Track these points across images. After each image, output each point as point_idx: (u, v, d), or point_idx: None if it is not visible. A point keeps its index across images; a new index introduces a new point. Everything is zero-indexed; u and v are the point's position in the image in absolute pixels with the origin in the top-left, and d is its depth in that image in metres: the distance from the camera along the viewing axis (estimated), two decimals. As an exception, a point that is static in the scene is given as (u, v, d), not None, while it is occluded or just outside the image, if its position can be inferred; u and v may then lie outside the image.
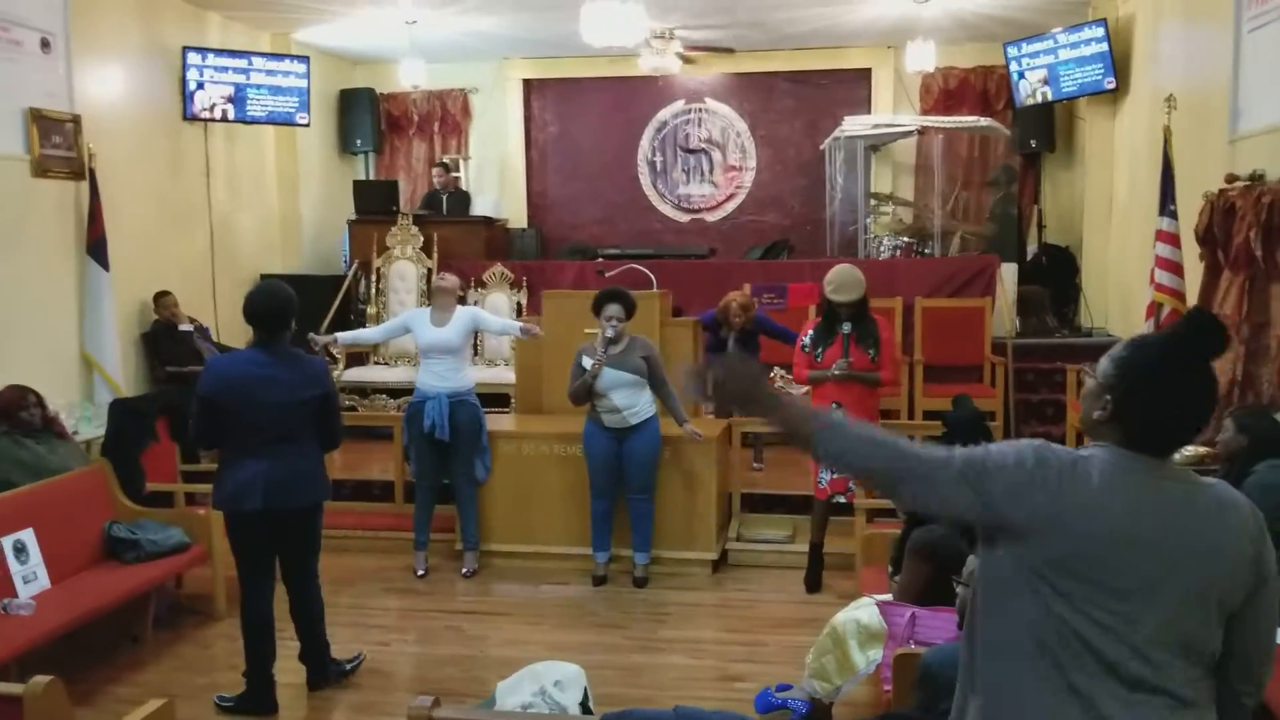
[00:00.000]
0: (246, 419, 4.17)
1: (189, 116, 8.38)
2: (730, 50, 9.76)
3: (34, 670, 4.63)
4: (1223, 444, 4.53)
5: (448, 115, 11.19)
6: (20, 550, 4.72)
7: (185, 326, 7.70)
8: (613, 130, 11.12)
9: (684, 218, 11.10)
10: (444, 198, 9.90)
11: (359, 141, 10.79)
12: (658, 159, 11.08)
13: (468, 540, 6.18)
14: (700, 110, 11.00)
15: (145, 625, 5.17)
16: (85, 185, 7.07)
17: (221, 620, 5.46)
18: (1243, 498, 2.01)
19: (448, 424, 5.94)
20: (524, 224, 11.01)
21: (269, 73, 8.74)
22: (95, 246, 7.09)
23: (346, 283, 8.98)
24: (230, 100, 8.51)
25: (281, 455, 4.21)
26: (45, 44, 6.83)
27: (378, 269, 8.94)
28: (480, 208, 10.88)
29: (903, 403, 8.00)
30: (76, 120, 7.07)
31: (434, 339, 5.98)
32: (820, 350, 5.59)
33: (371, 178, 10.96)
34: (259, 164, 9.53)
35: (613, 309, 5.72)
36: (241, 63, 8.57)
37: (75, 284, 7.07)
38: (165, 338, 7.66)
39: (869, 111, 10.39)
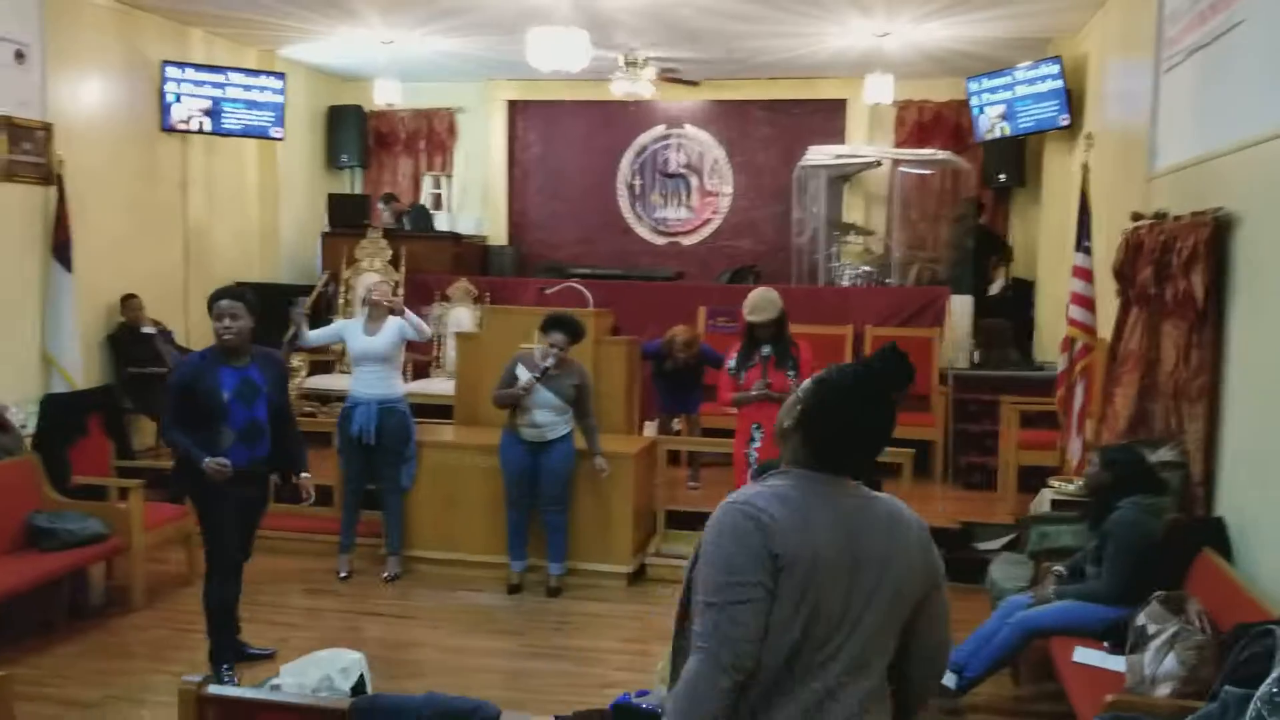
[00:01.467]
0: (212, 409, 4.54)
1: (166, 128, 8.67)
2: (695, 83, 9.94)
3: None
4: (1088, 478, 4.63)
5: (434, 134, 11.45)
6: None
7: (148, 329, 7.96)
8: (594, 153, 11.34)
9: (661, 240, 11.27)
10: (404, 218, 10.15)
11: (345, 156, 11.07)
12: (637, 182, 11.27)
13: (391, 545, 6.35)
14: (680, 135, 11.19)
15: (59, 611, 5.38)
16: (53, 191, 7.35)
17: (137, 611, 5.67)
18: (908, 510, 2.15)
19: (374, 430, 6.14)
20: (504, 241, 11.22)
21: (245, 87, 9.03)
22: (59, 249, 7.37)
23: (315, 292, 9.21)
24: (207, 113, 8.80)
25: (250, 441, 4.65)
26: (19, 55, 7.13)
27: (346, 280, 9.17)
28: (462, 225, 11.14)
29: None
30: (48, 128, 7.36)
31: (365, 348, 6.18)
32: (742, 373, 5.74)
33: (358, 192, 11.23)
34: (239, 176, 9.81)
35: (556, 336, 5.86)
36: (219, 77, 8.87)
37: (39, 285, 7.35)
38: (128, 339, 7.92)
39: (843, 141, 10.53)
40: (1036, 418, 7.21)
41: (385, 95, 9.72)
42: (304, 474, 4.99)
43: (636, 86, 9.56)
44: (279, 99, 9.18)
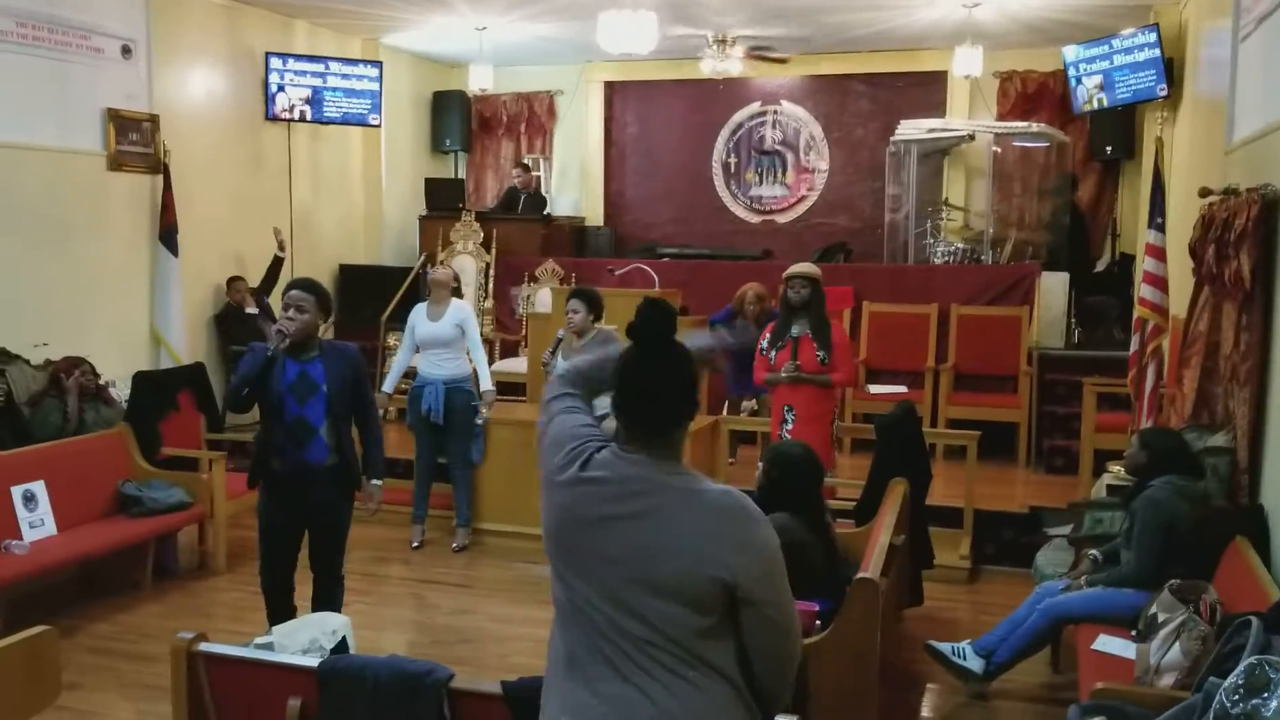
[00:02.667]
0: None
1: (270, 117, 9.09)
2: (783, 59, 9.85)
3: (32, 603, 5.34)
4: (1127, 459, 4.50)
5: (534, 117, 11.66)
6: (30, 499, 5.39)
7: (251, 309, 8.41)
8: (689, 132, 11.37)
9: (755, 219, 11.24)
10: (521, 197, 10.35)
11: (449, 141, 11.38)
12: (731, 160, 11.26)
13: (460, 517, 6.59)
14: (775, 112, 11.11)
15: (144, 573, 5.79)
16: (159, 179, 7.83)
17: (219, 575, 6.06)
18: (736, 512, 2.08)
19: (442, 409, 6.37)
20: (600, 223, 11.37)
21: (344, 76, 9.39)
22: (166, 234, 7.85)
23: (412, 274, 9.54)
24: (308, 102, 9.20)
25: None
26: (126, 50, 7.60)
27: (441, 262, 9.46)
28: (560, 207, 11.34)
29: (926, 411, 7.99)
30: (154, 119, 7.84)
31: (428, 332, 6.40)
32: (773, 353, 5.74)
33: (461, 176, 11.54)
34: (343, 162, 10.22)
35: (573, 303, 6.00)
36: (319, 67, 9.24)
37: (148, 268, 7.85)
38: (233, 319, 8.38)
39: (944, 114, 10.29)
40: (1119, 400, 6.97)
41: (479, 80, 9.96)
42: (375, 480, 4.45)
43: (725, 64, 9.55)
44: (375, 87, 9.52)
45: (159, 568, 5.92)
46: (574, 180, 11.64)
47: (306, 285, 4.22)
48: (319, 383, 4.15)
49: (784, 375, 5.64)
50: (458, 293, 6.61)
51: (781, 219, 11.16)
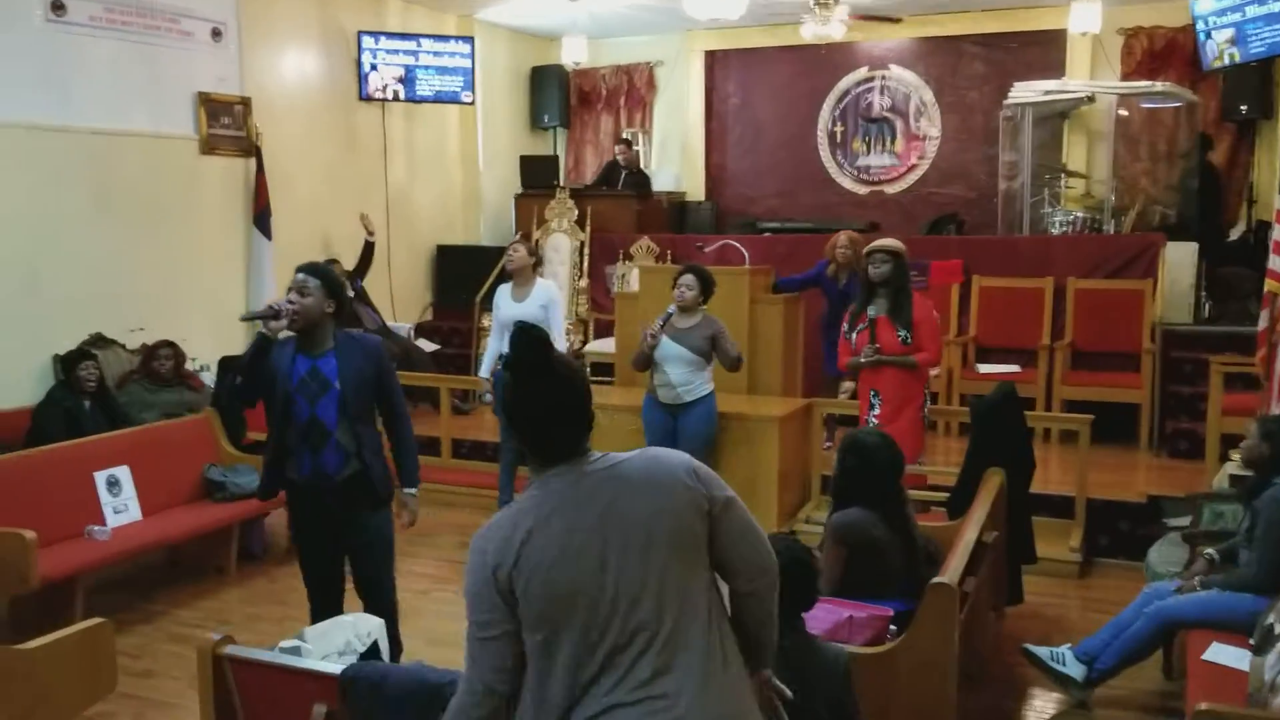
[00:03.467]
0: None
1: (364, 97, 9.07)
2: (896, 20, 9.37)
3: (116, 588, 5.40)
4: (1245, 449, 4.06)
5: (633, 89, 11.42)
6: (113, 484, 5.43)
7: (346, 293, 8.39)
8: (793, 100, 10.97)
9: (863, 190, 10.79)
10: (622, 173, 10.14)
11: (547, 117, 11.23)
12: (838, 129, 10.83)
13: (543, 503, 6.44)
14: (883, 77, 10.63)
15: (229, 558, 5.81)
16: (252, 162, 7.86)
17: None
18: (667, 452, 2.09)
19: (524, 391, 6.23)
20: (701, 197, 11.09)
21: (436, 53, 9.31)
22: (259, 217, 7.89)
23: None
24: (401, 81, 9.14)
25: None
26: (216, 33, 7.64)
27: (536, 241, 9.33)
28: (660, 181, 11.08)
29: (1040, 391, 7.53)
30: (245, 102, 7.87)
31: (511, 314, 6.23)
32: (853, 336, 5.42)
33: (559, 153, 11.40)
34: (440, 141, 10.16)
35: (684, 278, 5.74)
36: (411, 44, 9.18)
37: (242, 251, 7.90)
38: (327, 302, 8.38)
39: (1064, 75, 9.67)
40: (1251, 380, 6.40)
41: (574, 53, 9.78)
42: (410, 489, 3.91)
43: (827, 28, 9.11)
44: (468, 64, 9.41)
45: (244, 552, 5.92)
46: (674, 154, 11.37)
47: (310, 268, 3.77)
48: (331, 380, 3.68)
49: (863, 360, 5.32)
50: (541, 270, 6.41)
51: (890, 189, 10.69)
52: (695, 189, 11.19)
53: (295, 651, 2.84)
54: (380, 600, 3.86)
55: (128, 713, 4.19)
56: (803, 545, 3.07)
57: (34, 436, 5.78)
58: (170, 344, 6.65)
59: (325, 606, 3.89)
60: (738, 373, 5.86)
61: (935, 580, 3.27)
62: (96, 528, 5.19)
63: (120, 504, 5.43)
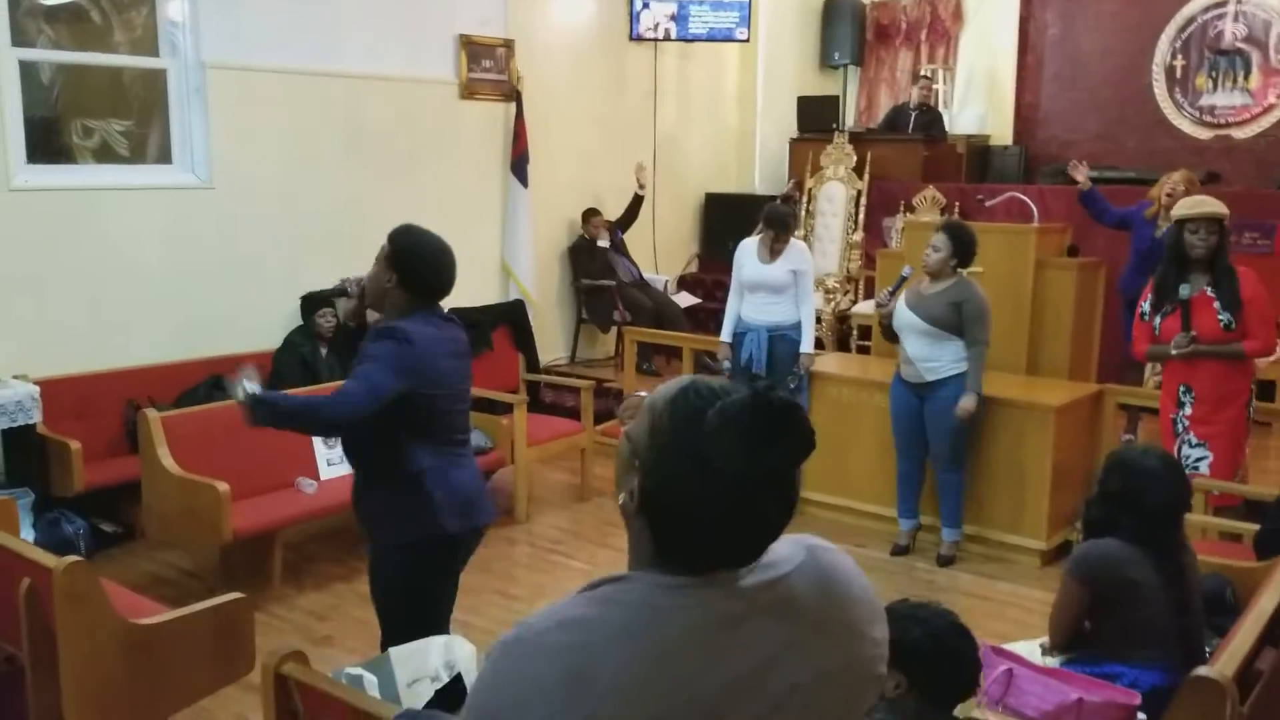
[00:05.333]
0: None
1: (634, 37, 8.62)
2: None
3: (320, 543, 5.33)
4: None
5: (937, 22, 10.31)
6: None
7: (603, 243, 8.07)
8: (1124, 31, 9.47)
9: (1205, 134, 9.18)
10: (912, 114, 9.19)
11: (837, 54, 10.36)
12: (1178, 63, 9.24)
13: (777, 483, 5.83)
14: (1239, 2, 8.94)
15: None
16: (512, 106, 7.62)
17: (519, 524, 5.78)
18: (847, 569, 1.34)
19: (764, 358, 5.62)
20: (1008, 141, 9.87)
21: (711, -12, 8.70)
22: (517, 164, 7.65)
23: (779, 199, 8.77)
24: (673, 18, 8.61)
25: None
26: (480, -26, 7.42)
27: (809, 189, 8.60)
28: (962, 123, 10.01)
29: None
30: (509, 45, 7.62)
31: (756, 275, 5.63)
32: (1158, 319, 4.36)
33: (850, 92, 10.51)
34: (715, 82, 9.57)
35: (935, 238, 4.92)
36: (686, -21, 8.63)
37: (499, 199, 7.71)
38: (584, 253, 8.09)
39: None
40: None
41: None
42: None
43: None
44: (745, -2, 8.73)
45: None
46: (979, 93, 10.18)
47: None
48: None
49: (1174, 351, 4.27)
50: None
51: (1240, 134, 9.03)
52: (1002, 132, 9.98)
53: (358, 681, 2.43)
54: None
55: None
56: (950, 617, 2.32)
57: (273, 380, 5.81)
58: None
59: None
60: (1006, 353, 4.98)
61: (1198, 674, 2.39)
62: (305, 480, 5.11)
63: (335, 456, 5.32)
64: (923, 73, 9.74)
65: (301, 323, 6.14)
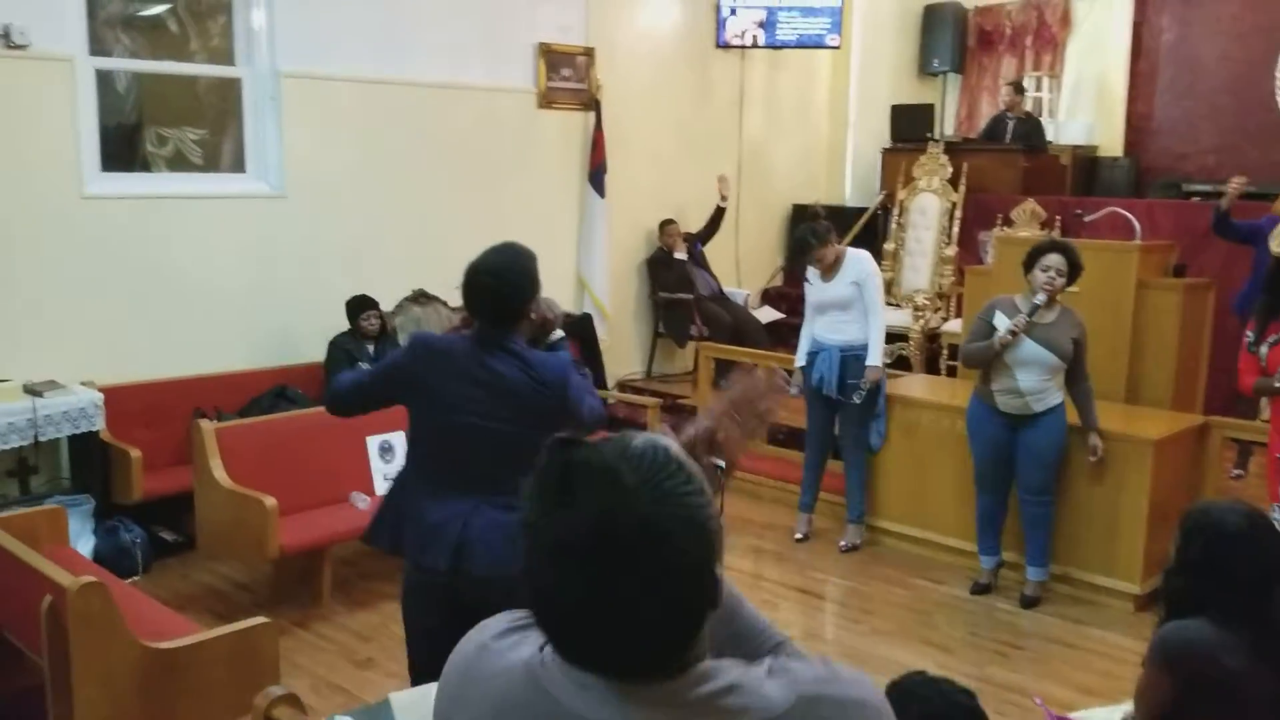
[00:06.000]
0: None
1: (721, 44, 8.40)
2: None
3: (372, 560, 5.20)
4: None
5: (1043, 27, 9.84)
6: (386, 450, 5.24)
7: (680, 255, 7.86)
8: (1247, 35, 8.88)
9: (1336, 146, 8.57)
10: (1009, 123, 8.78)
11: (936, 61, 9.98)
12: (1306, 69, 8.65)
13: (851, 511, 5.54)
14: (1373, 2, 8.33)
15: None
16: (590, 116, 7.47)
17: None
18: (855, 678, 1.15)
19: (836, 380, 5.34)
20: (1118, 153, 9.36)
21: (802, -7, 8.41)
22: (594, 175, 7.50)
23: (864, 218, 8.45)
24: (761, 25, 8.36)
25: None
26: (560, -19, 7.29)
27: (901, 201, 8.25)
28: (1069, 134, 9.53)
29: None
30: (589, 53, 7.48)
31: (818, 294, 5.37)
32: (1263, 348, 3.97)
33: (947, 102, 10.12)
34: (806, 90, 9.28)
35: (1053, 258, 4.59)
36: (777, -16, 8.36)
37: (576, 209, 7.56)
38: (661, 265, 7.90)
39: None
40: None
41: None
42: None
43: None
44: (836, 3, 8.41)
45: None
46: (1088, 101, 9.69)
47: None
48: None
49: (1276, 384, 3.88)
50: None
51: (1377, 145, 8.40)
52: (1111, 143, 9.47)
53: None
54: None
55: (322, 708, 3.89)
56: (962, 698, 2.03)
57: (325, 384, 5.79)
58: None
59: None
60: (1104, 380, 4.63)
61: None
62: (359, 495, 5.01)
63: (392, 470, 5.20)
64: (1013, 80, 9.29)
65: (348, 326, 6.03)
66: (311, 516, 4.73)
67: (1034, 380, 4.60)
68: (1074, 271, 4.57)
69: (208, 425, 4.66)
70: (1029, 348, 4.58)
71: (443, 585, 2.74)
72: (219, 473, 4.57)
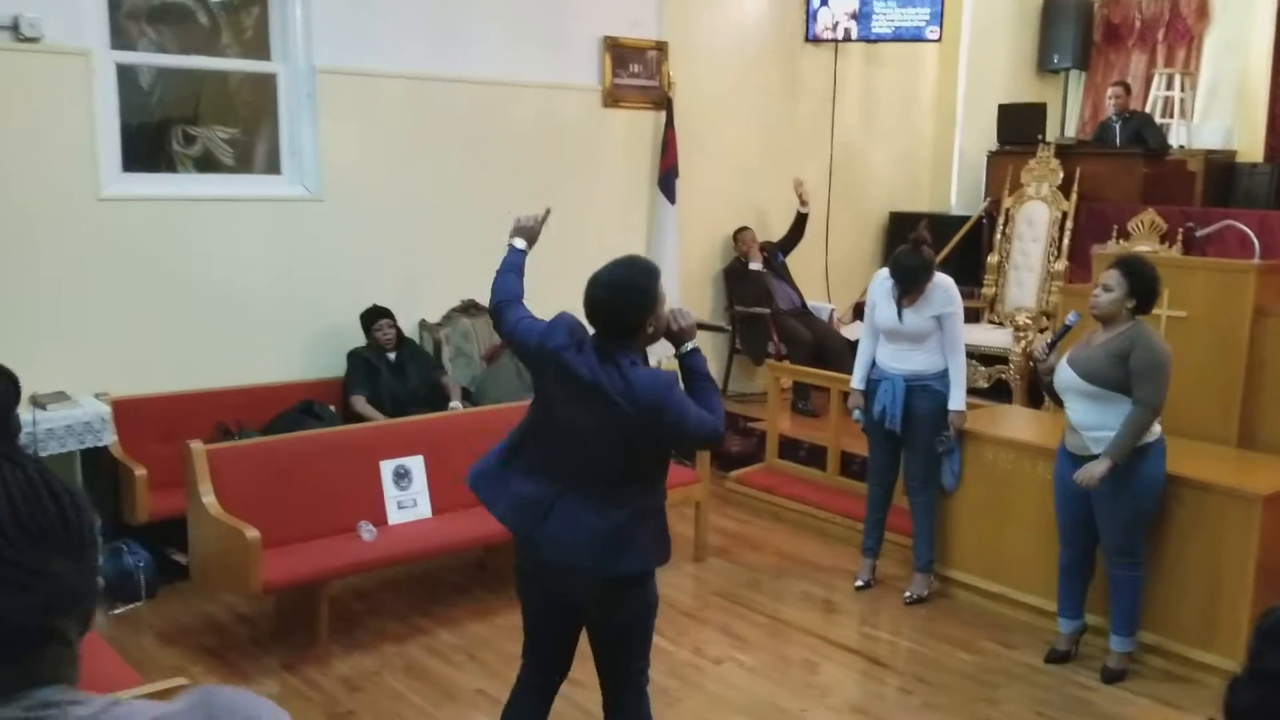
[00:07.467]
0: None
1: (810, 38, 7.80)
2: None
3: (391, 591, 4.81)
4: None
5: (1177, 20, 8.93)
6: (402, 476, 4.83)
7: (756, 265, 7.30)
8: None
9: None
10: (1116, 123, 7.96)
11: (1058, 57, 9.15)
12: None
13: (918, 559, 4.92)
14: None
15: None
16: (661, 115, 6.98)
17: (698, 562, 5.35)
18: None
19: (900, 413, 4.72)
20: (1258, 158, 8.40)
21: (899, -17, 7.74)
22: (665, 178, 7.00)
23: (966, 227, 7.73)
24: (854, 17, 7.73)
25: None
26: (632, -28, 6.82)
27: (1007, 210, 7.51)
28: (1204, 137, 8.64)
29: None
30: (661, 47, 6.99)
31: (891, 324, 4.72)
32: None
33: (1073, 100, 9.28)
34: (909, 88, 8.59)
35: (1108, 275, 3.99)
36: (871, -27, 7.71)
37: (645, 215, 7.07)
38: (736, 276, 7.35)
39: None
40: None
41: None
42: None
43: None
44: (938, -8, 7.72)
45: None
46: (1226, 103, 8.75)
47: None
48: None
49: None
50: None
51: None
52: (1251, 148, 8.50)
53: None
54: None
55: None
56: None
57: (346, 390, 5.51)
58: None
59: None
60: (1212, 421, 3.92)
61: None
62: (366, 525, 4.61)
63: (407, 498, 4.83)
64: (1115, 82, 8.42)
65: (365, 339, 5.66)
66: (307, 549, 4.35)
67: (1083, 413, 3.97)
68: (1138, 288, 3.89)
69: (198, 446, 4.33)
70: (1064, 374, 3.98)
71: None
72: (208, 498, 4.24)
